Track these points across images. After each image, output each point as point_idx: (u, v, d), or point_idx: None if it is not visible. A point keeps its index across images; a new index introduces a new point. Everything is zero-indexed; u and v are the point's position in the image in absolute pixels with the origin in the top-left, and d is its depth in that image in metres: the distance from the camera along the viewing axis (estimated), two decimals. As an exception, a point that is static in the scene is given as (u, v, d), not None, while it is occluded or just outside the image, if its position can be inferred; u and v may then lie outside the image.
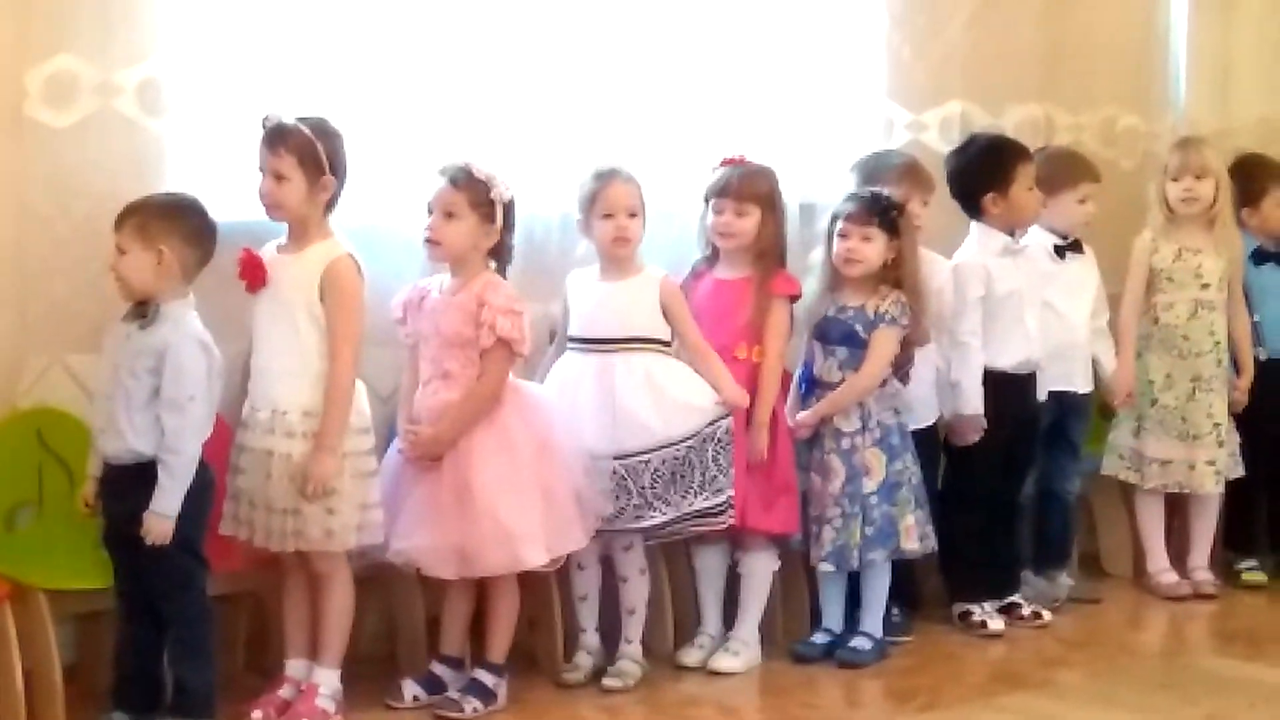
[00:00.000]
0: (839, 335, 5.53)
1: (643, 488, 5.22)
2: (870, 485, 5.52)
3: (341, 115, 5.00)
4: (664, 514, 5.24)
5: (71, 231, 4.83)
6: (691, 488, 5.25)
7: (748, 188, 5.47)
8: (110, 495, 4.68)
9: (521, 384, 5.15)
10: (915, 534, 5.58)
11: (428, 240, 5.06)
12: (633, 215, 5.28)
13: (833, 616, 5.67)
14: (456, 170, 5.04)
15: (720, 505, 5.29)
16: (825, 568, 5.55)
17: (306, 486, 4.74)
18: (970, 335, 5.84)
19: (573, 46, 5.74)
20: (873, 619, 5.62)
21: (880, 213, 5.50)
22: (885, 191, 5.59)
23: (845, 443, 5.53)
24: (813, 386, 5.59)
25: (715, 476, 5.27)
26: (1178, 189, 6.34)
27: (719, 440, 5.28)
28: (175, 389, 4.55)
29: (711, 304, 5.49)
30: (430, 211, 5.05)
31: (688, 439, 5.25)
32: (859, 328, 5.51)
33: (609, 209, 5.27)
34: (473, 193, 5.02)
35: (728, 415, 5.30)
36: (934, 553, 5.71)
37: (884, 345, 5.50)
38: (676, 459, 5.24)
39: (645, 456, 5.23)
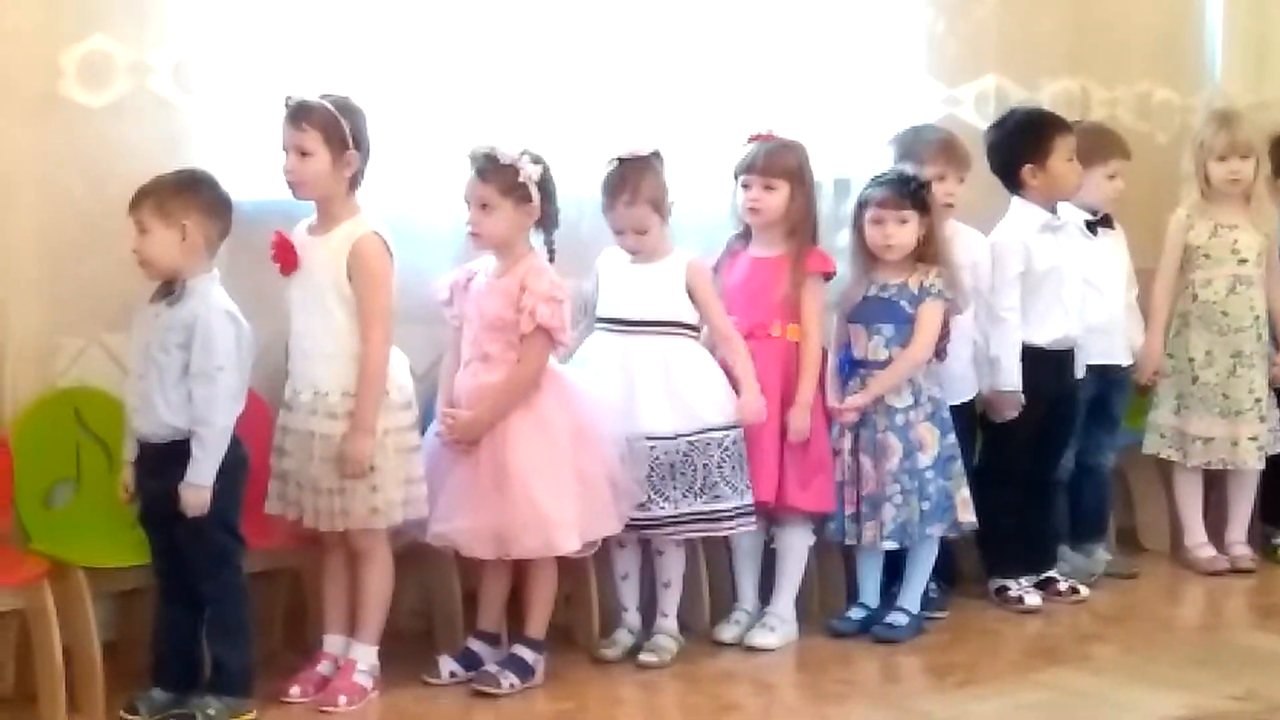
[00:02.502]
0: (885, 314, 5.52)
1: (645, 476, 5.21)
2: (925, 460, 5.52)
3: (372, 96, 5.02)
4: (663, 508, 5.23)
5: (106, 211, 4.83)
6: (693, 488, 5.24)
7: (774, 163, 5.45)
8: (146, 474, 4.70)
9: (560, 369, 5.15)
10: (970, 507, 5.59)
11: (470, 234, 5.06)
12: (641, 232, 5.27)
13: (869, 592, 5.67)
14: (482, 159, 5.02)
15: (723, 511, 5.28)
16: (889, 546, 5.54)
17: (345, 467, 4.76)
18: (1009, 311, 5.83)
19: (605, 23, 5.74)
20: (912, 595, 5.62)
21: (911, 194, 5.50)
22: (909, 169, 5.58)
23: (899, 419, 5.52)
24: (855, 368, 5.57)
25: (715, 483, 5.25)
26: (1224, 169, 6.30)
27: (725, 448, 5.26)
28: (205, 360, 4.57)
29: (746, 282, 5.49)
30: (467, 204, 5.05)
31: (689, 436, 5.24)
32: (904, 303, 5.50)
33: (617, 228, 5.30)
34: (502, 180, 5.01)
35: (736, 426, 5.29)
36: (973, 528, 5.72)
37: (931, 318, 5.49)
38: (677, 452, 5.23)
39: (651, 443, 5.22)
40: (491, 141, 5.06)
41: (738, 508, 5.30)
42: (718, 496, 5.26)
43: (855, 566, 5.71)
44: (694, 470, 5.23)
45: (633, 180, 5.25)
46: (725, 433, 5.27)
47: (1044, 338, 5.90)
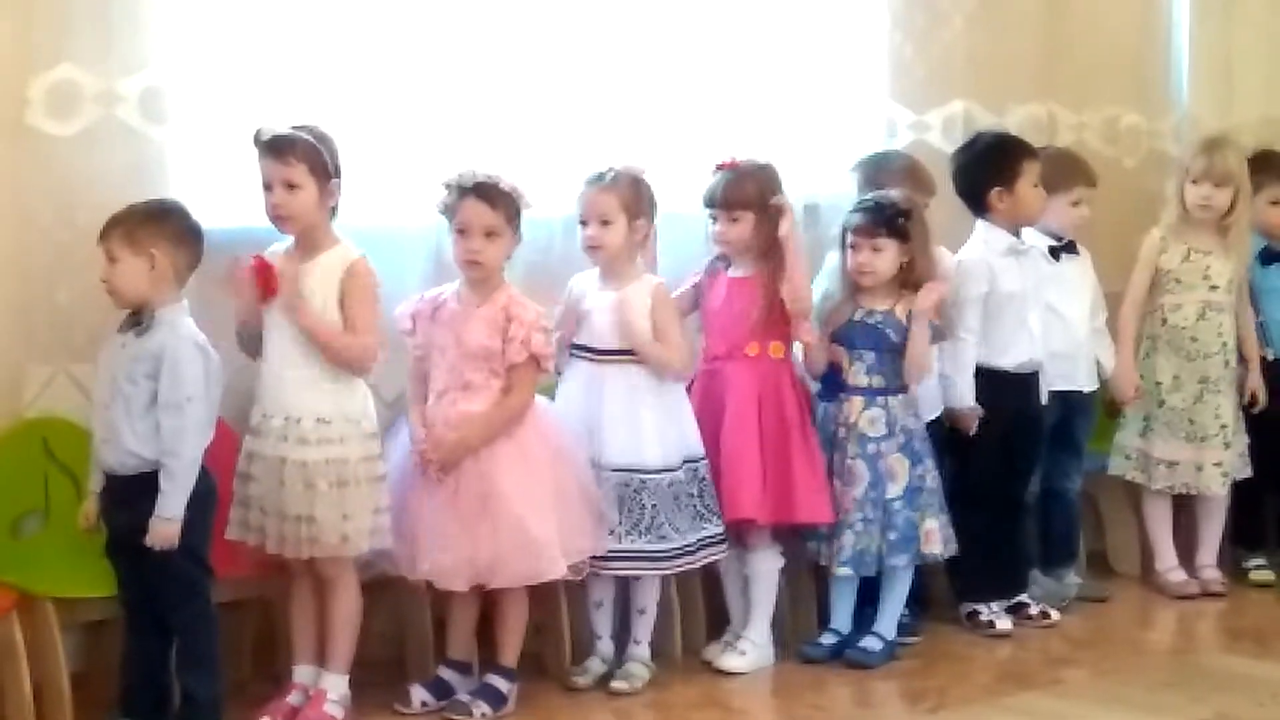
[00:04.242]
0: (868, 340, 5.54)
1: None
2: (894, 490, 5.53)
3: (341, 121, 5.02)
4: (612, 540, 5.22)
5: (74, 240, 4.83)
6: (638, 526, 5.23)
7: (733, 195, 5.44)
8: (114, 506, 4.69)
9: (535, 397, 5.15)
10: (937, 538, 5.60)
11: (470, 262, 5.04)
12: (605, 223, 5.25)
13: (841, 617, 5.66)
14: (489, 187, 5.01)
15: (663, 551, 5.26)
16: (844, 572, 5.55)
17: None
18: (966, 332, 5.83)
19: (574, 48, 5.74)
20: (887, 621, 5.62)
21: (887, 222, 5.50)
22: (892, 196, 5.58)
23: (871, 448, 5.54)
24: (837, 390, 5.59)
25: (661, 524, 5.25)
26: (1196, 193, 6.31)
27: (669, 487, 5.26)
28: (172, 391, 4.56)
29: (725, 303, 5.50)
30: (462, 231, 5.03)
31: (642, 473, 5.24)
32: (890, 332, 5.52)
33: (583, 215, 5.28)
34: (508, 208, 5.02)
35: (694, 463, 5.31)
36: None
37: (926, 340, 5.53)
38: (627, 486, 5.23)
39: (606, 473, 5.22)
40: (485, 169, 5.05)
41: (681, 548, 5.29)
42: (662, 537, 5.25)
43: (829, 591, 5.70)
44: (641, 508, 5.23)
45: (615, 173, 5.26)
46: (669, 474, 5.26)
47: (1008, 360, 5.91)
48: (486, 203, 5.00)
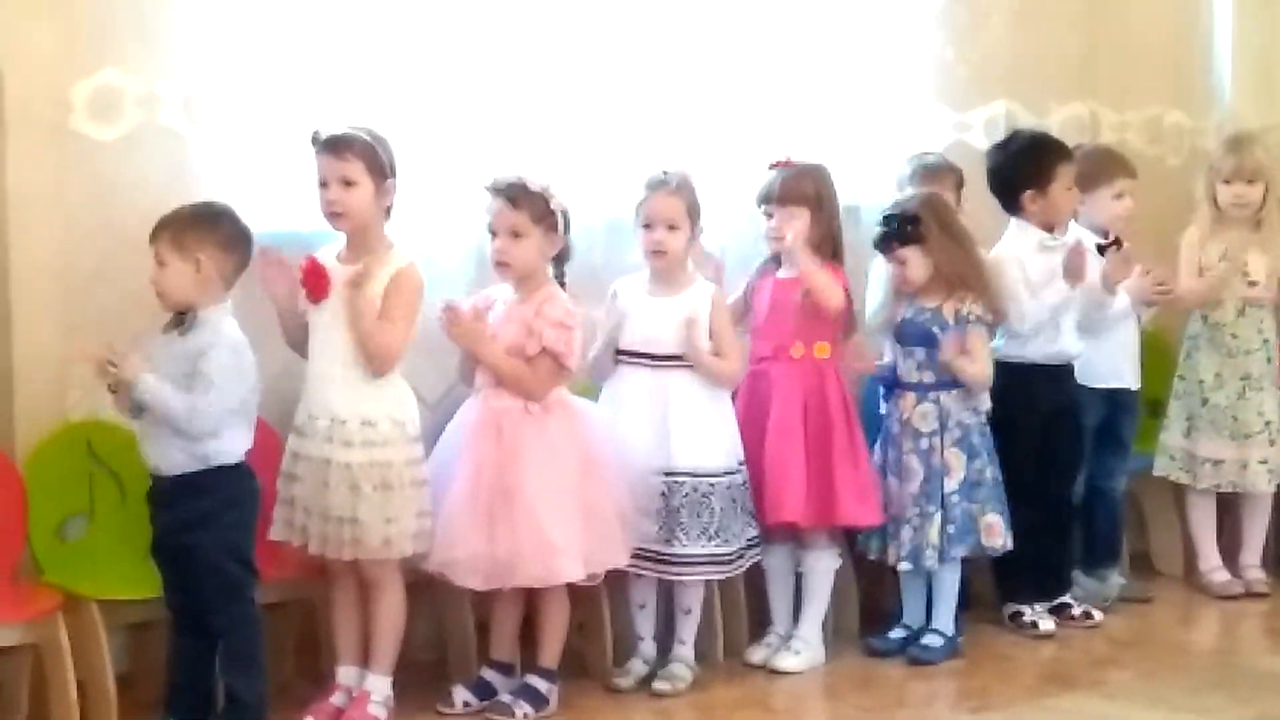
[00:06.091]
0: (916, 337, 5.59)
1: (675, 509, 5.22)
2: (951, 484, 5.56)
3: (383, 126, 5.01)
4: (683, 544, 5.23)
5: (116, 243, 4.86)
6: (706, 530, 5.25)
7: (789, 191, 5.46)
8: (159, 506, 4.70)
9: (571, 399, 5.15)
10: (999, 531, 5.62)
11: (499, 264, 5.06)
12: (672, 228, 5.26)
13: (913, 612, 5.70)
14: (513, 188, 5.03)
15: (728, 555, 5.30)
16: (904, 567, 5.59)
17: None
18: (1020, 310, 5.81)
19: (618, 51, 5.76)
20: (944, 616, 5.65)
21: (898, 235, 5.54)
22: (900, 204, 5.60)
23: (924, 443, 5.57)
24: (893, 388, 5.64)
25: (724, 528, 5.26)
26: (1229, 192, 6.30)
27: (731, 489, 5.28)
28: (203, 383, 4.55)
29: (772, 303, 5.52)
30: (493, 233, 5.06)
31: (710, 476, 5.25)
32: (936, 330, 5.55)
33: (647, 219, 5.28)
34: (534, 208, 5.02)
35: (745, 466, 5.33)
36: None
37: (980, 345, 5.57)
38: (696, 491, 5.24)
39: (681, 478, 5.23)
40: (517, 171, 5.07)
41: (735, 552, 5.33)
42: (725, 541, 5.27)
43: (900, 587, 5.74)
44: (711, 513, 5.24)
45: (678, 178, 5.28)
46: (730, 476, 5.29)
47: (1039, 353, 5.89)
48: (510, 203, 5.02)
